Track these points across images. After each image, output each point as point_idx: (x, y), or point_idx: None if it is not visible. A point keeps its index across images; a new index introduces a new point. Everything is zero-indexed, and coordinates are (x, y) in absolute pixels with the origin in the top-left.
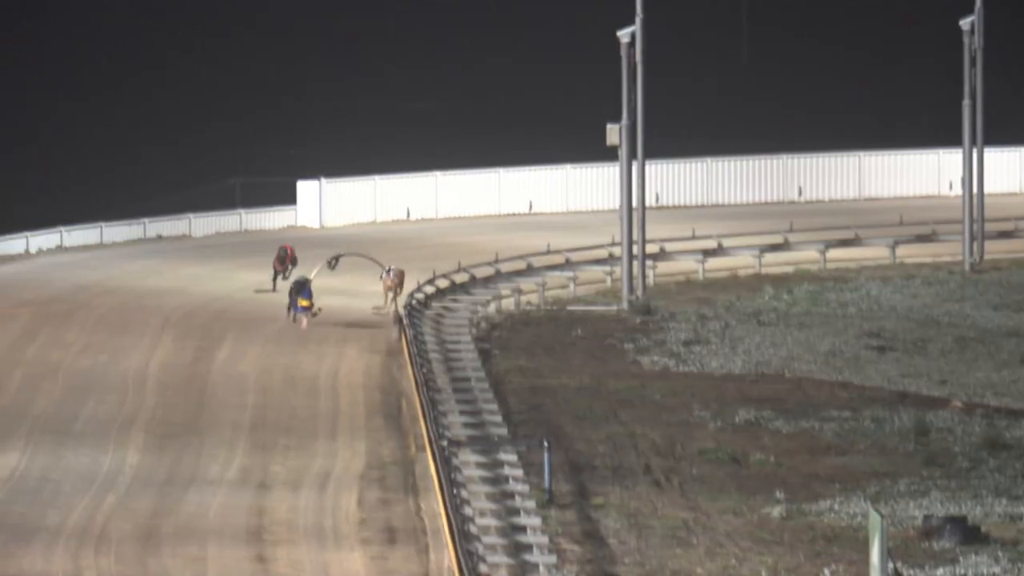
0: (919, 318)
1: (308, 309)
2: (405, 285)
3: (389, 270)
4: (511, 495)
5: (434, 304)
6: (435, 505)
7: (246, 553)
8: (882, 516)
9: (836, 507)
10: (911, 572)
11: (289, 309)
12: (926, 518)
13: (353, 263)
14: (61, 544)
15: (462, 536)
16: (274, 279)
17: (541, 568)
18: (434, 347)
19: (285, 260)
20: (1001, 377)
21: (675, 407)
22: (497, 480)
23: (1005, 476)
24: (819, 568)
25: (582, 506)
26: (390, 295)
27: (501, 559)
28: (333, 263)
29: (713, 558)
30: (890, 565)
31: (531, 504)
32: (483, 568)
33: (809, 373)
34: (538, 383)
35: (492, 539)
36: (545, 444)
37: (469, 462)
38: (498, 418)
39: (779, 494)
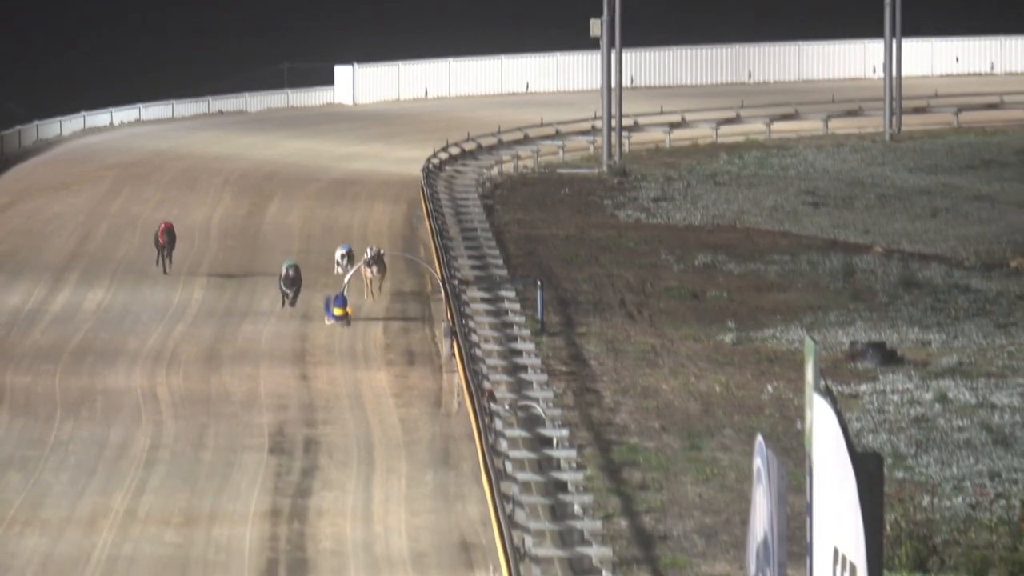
0: (847, 179)
1: (343, 318)
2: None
3: (370, 251)
4: (510, 325)
5: (447, 168)
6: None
7: (291, 372)
8: (815, 342)
9: (777, 334)
10: (840, 388)
11: (284, 301)
12: (852, 343)
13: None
14: (139, 365)
15: (470, 358)
16: (158, 258)
17: (535, 384)
18: (447, 203)
19: (158, 238)
20: (915, 227)
21: (645, 252)
22: (498, 312)
23: (917, 309)
24: (763, 384)
25: (568, 334)
26: (371, 280)
27: (501, 377)
28: (370, 261)
29: (676, 376)
30: (822, 382)
31: (526, 332)
32: (487, 384)
33: (756, 224)
34: (532, 233)
35: (494, 361)
36: (538, 283)
37: (476, 298)
38: (499, 261)
39: (731, 324)
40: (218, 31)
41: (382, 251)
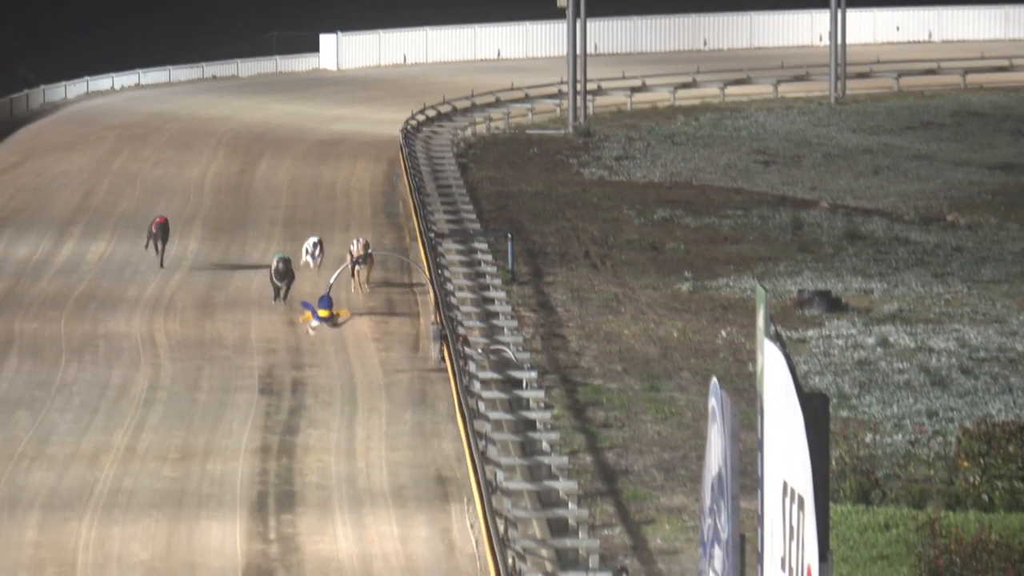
0: (795, 139)
1: (330, 319)
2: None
3: (356, 243)
4: (483, 275)
5: (424, 129)
6: (424, 281)
7: (280, 318)
8: (766, 290)
9: (731, 284)
10: (788, 333)
11: (276, 295)
12: (800, 292)
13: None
14: (138, 312)
15: (445, 305)
16: (151, 247)
17: (505, 330)
18: (424, 162)
19: (150, 231)
20: (858, 184)
21: (608, 207)
22: (472, 263)
23: (860, 260)
24: (718, 330)
25: (537, 283)
26: (358, 271)
27: (475, 323)
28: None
29: (637, 322)
30: (772, 328)
31: (498, 282)
32: (461, 330)
33: (711, 181)
34: (503, 189)
35: (468, 308)
36: (509, 236)
37: (451, 249)
38: (473, 216)
39: (687, 274)
40: (212, 1)
41: (369, 248)
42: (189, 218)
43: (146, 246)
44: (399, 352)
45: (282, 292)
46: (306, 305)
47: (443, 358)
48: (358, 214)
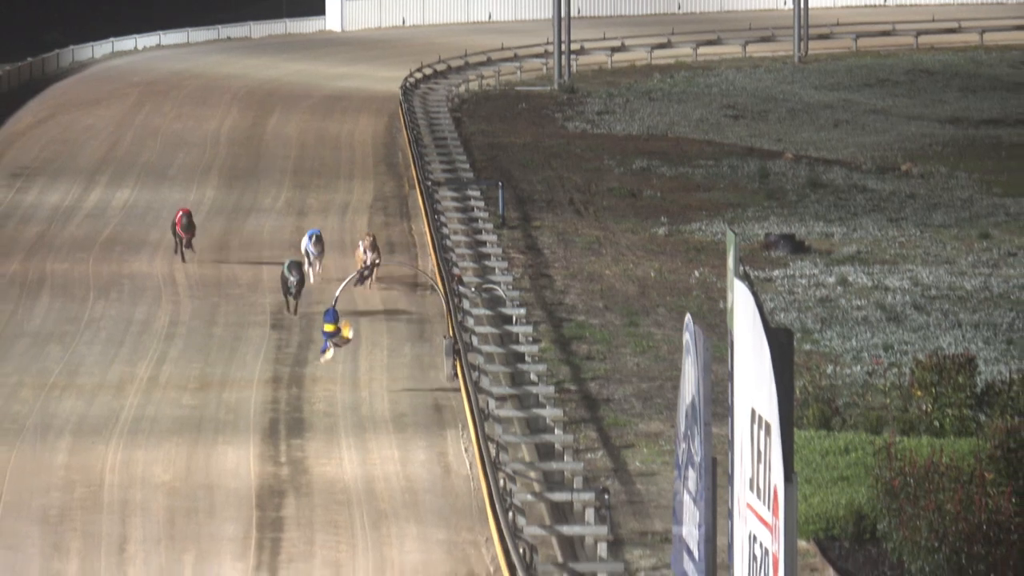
0: (762, 95)
1: (334, 335)
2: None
3: (363, 243)
4: (475, 220)
5: (421, 86)
6: (422, 226)
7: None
8: (735, 234)
9: (703, 227)
10: (756, 273)
11: (287, 304)
12: (766, 235)
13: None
14: (160, 253)
15: (441, 248)
16: (177, 247)
17: (496, 271)
18: (421, 116)
19: (175, 227)
20: (820, 136)
21: (591, 158)
22: (465, 209)
23: (822, 206)
24: (691, 270)
25: (525, 227)
26: (365, 265)
27: (468, 264)
28: (367, 272)
29: (617, 263)
30: (741, 268)
31: (489, 226)
32: (456, 270)
33: (684, 134)
34: (494, 141)
35: (462, 250)
36: (499, 184)
37: (446, 196)
38: (466, 166)
39: (663, 219)
40: None
41: (376, 247)
42: (206, 168)
43: (176, 249)
44: (399, 291)
45: (293, 299)
46: (328, 319)
47: (455, 374)
48: (361, 164)
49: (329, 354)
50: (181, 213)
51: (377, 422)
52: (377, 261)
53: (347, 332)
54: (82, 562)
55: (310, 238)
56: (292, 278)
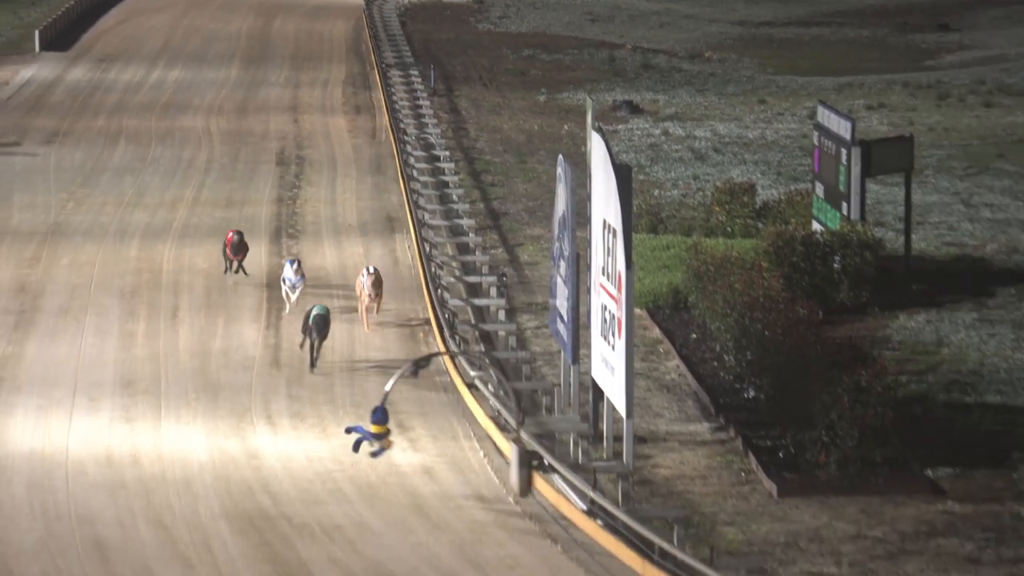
0: (610, 5)
1: (381, 437)
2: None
3: (367, 273)
4: (415, 91)
5: (377, 0)
6: (379, 95)
7: (288, 118)
8: (592, 100)
9: (570, 96)
10: (606, 127)
11: (309, 346)
12: (613, 101)
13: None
14: (201, 113)
15: (393, 110)
16: (227, 268)
17: (429, 125)
18: (378, 20)
19: (225, 248)
20: (650, 34)
21: (493, 48)
22: (408, 83)
23: (651, 81)
24: (562, 125)
25: (449, 96)
26: (368, 302)
27: (410, 120)
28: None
29: (512, 120)
30: (596, 123)
31: (424, 95)
32: (403, 125)
33: (558, 32)
34: (428, 37)
35: (406, 112)
36: (432, 66)
37: (395, 75)
38: (409, 53)
39: (543, 90)
40: None
41: (381, 282)
42: (231, 55)
43: (226, 270)
44: (363, 139)
45: (316, 346)
46: (357, 430)
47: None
48: (337, 52)
49: (368, 448)
50: (232, 234)
51: (349, 229)
52: (378, 297)
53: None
54: (147, 324)
55: (291, 265)
56: (314, 335)
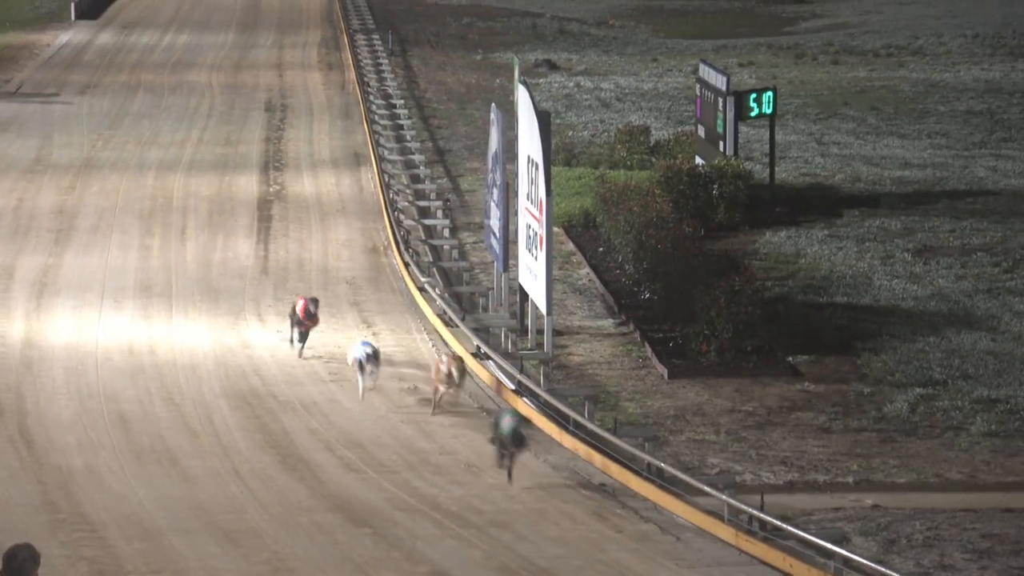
0: None
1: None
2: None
3: (444, 362)
4: (376, 51)
5: None
6: (347, 55)
7: (274, 73)
8: (519, 59)
9: (502, 56)
10: (531, 80)
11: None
12: (535, 60)
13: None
14: (204, 70)
15: (358, 67)
16: (295, 340)
17: (388, 79)
18: None
19: (296, 315)
20: (566, 5)
21: (440, 18)
22: (370, 45)
23: (566, 43)
24: (495, 79)
25: (404, 56)
26: (443, 388)
27: (371, 76)
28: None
29: (454, 75)
30: (522, 78)
31: (383, 55)
32: (366, 79)
33: (490, 4)
34: (387, 8)
35: (368, 69)
36: (390, 31)
37: (360, 39)
38: (371, 21)
39: (479, 51)
40: None
41: (463, 365)
42: (228, 22)
43: (292, 341)
44: (334, 90)
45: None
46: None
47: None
48: (313, 20)
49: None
50: (305, 302)
51: (323, 163)
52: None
53: None
54: (162, 239)
55: (365, 347)
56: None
